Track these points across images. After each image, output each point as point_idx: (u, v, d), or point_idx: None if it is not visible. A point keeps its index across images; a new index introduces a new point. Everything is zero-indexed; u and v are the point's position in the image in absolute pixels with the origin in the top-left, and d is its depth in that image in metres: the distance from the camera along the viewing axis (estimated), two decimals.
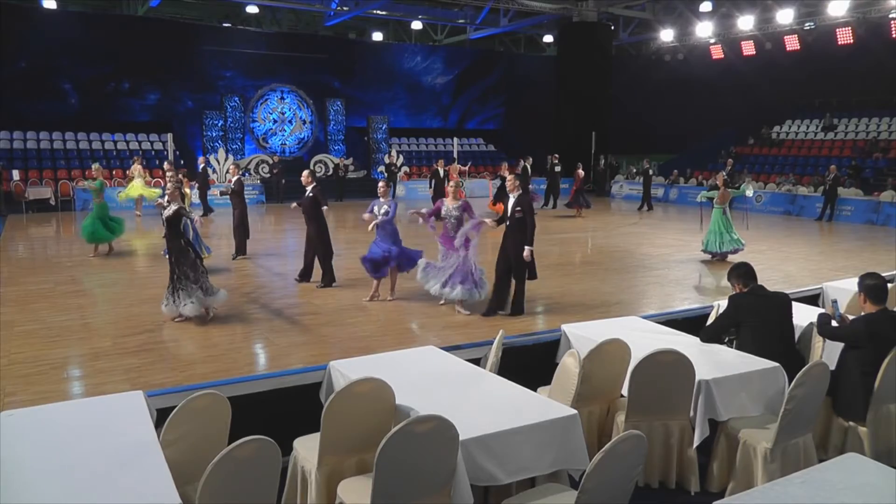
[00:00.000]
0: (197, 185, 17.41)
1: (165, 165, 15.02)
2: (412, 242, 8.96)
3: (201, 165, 18.41)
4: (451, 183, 8.48)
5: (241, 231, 11.66)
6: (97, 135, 23.24)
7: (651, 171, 21.50)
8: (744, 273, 4.98)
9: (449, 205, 8.00)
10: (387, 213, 8.18)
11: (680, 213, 20.20)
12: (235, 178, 11.81)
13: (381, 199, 8.27)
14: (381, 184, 8.52)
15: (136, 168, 17.96)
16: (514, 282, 7.82)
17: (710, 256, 11.52)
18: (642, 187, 21.37)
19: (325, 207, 9.15)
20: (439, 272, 7.91)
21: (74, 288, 9.58)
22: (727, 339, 5.09)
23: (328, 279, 9.23)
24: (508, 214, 7.62)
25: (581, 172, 19.24)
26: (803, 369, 3.89)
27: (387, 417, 3.56)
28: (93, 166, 13.73)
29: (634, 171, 25.97)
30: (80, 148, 22.55)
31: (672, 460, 4.22)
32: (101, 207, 11.90)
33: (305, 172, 9.62)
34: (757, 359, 4.54)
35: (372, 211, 8.30)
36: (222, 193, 13.41)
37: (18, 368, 5.93)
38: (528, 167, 20.30)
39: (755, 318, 4.78)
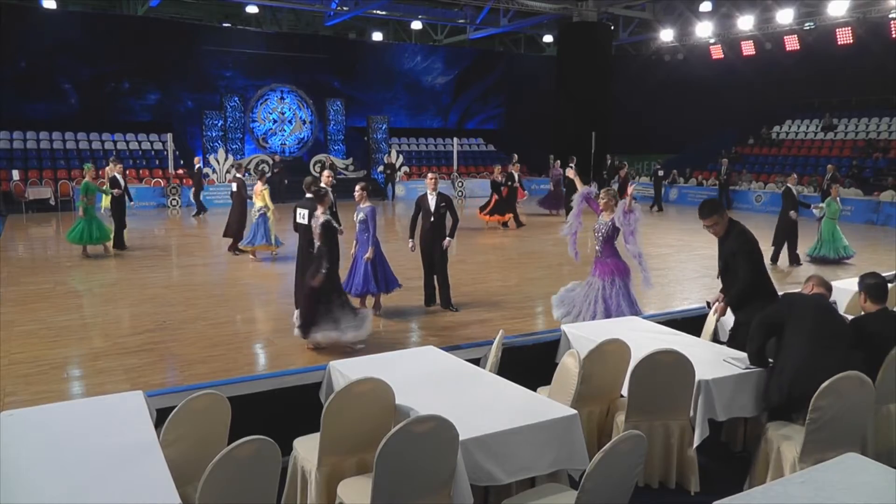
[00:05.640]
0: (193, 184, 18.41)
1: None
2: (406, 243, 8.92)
3: (197, 165, 19.00)
4: (605, 194, 6.55)
5: (238, 230, 11.94)
6: (97, 135, 23.24)
7: (661, 173, 22.17)
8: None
9: (600, 219, 6.58)
10: (363, 221, 7.68)
11: (680, 214, 20.18)
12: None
13: (360, 206, 7.77)
14: (357, 188, 7.80)
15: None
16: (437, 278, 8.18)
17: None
18: (653, 189, 21.96)
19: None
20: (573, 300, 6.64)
21: (74, 288, 9.59)
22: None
23: None
24: (432, 211, 7.99)
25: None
26: (831, 379, 3.65)
27: (387, 417, 3.55)
28: (84, 167, 13.21)
29: (646, 176, 26.22)
30: (80, 148, 22.56)
31: (672, 460, 4.21)
32: (90, 210, 11.72)
33: (327, 172, 9.43)
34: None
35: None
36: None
37: (18, 368, 5.93)
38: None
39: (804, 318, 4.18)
